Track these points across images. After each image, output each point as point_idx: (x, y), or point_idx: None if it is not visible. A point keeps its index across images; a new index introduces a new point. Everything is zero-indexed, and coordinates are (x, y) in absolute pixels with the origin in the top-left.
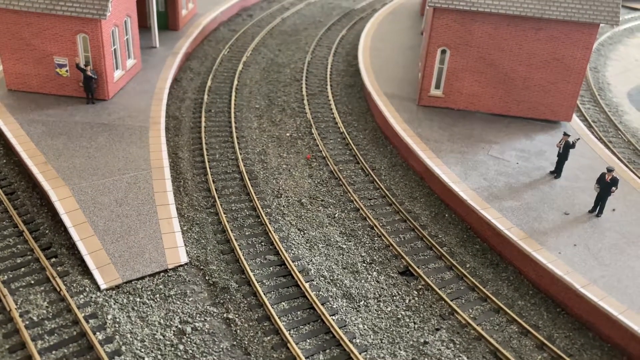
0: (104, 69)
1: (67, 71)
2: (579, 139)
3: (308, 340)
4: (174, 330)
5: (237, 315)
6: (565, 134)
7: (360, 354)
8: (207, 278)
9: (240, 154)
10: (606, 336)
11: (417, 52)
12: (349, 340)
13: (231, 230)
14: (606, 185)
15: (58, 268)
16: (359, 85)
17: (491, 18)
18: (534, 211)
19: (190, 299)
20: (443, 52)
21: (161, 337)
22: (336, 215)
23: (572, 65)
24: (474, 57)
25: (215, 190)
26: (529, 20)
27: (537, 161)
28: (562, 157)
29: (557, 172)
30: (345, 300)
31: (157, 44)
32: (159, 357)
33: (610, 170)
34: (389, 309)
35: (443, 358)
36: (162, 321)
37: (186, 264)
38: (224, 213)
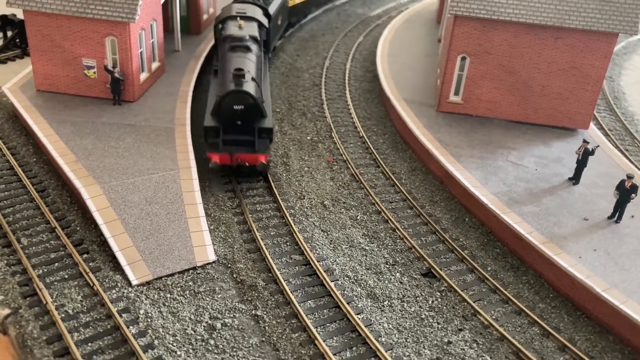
0: (130, 71)
1: (94, 73)
2: (598, 146)
3: (335, 338)
4: (204, 326)
5: (265, 312)
6: (584, 141)
7: (386, 352)
8: (234, 276)
9: None
10: (627, 340)
11: (434, 59)
12: (375, 339)
13: (257, 230)
14: (626, 192)
15: (90, 264)
16: (376, 90)
17: (511, 26)
18: (553, 216)
19: (219, 296)
20: (463, 59)
21: (192, 332)
22: (358, 217)
23: (591, 74)
24: (494, 64)
25: (240, 191)
26: (549, 29)
27: (555, 167)
28: (581, 163)
29: (575, 178)
30: (369, 300)
31: (179, 47)
32: (191, 351)
33: (630, 177)
34: (412, 309)
35: (467, 358)
36: (192, 317)
37: (214, 261)
38: (250, 213)
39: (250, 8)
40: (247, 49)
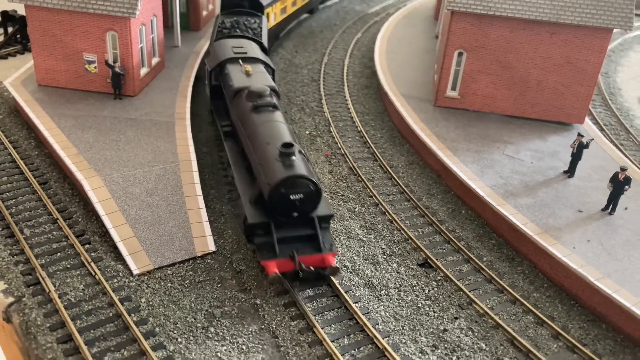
0: (131, 65)
1: (95, 67)
2: (592, 139)
3: (333, 326)
4: (204, 314)
5: (264, 301)
6: (579, 135)
7: (383, 339)
8: (234, 266)
9: None
10: (619, 327)
11: (431, 55)
12: (372, 326)
13: None
14: (619, 184)
15: (92, 254)
16: (374, 86)
17: (508, 22)
18: (548, 208)
19: (219, 285)
20: (460, 54)
21: (192, 320)
22: (356, 209)
23: (586, 69)
24: (490, 59)
25: None
26: (545, 25)
27: (550, 161)
28: (576, 157)
29: (570, 171)
30: (367, 290)
31: (179, 43)
32: (191, 338)
33: (623, 169)
34: (409, 298)
35: (462, 345)
36: (192, 305)
37: (214, 252)
38: None
39: (247, 44)
40: (274, 108)
